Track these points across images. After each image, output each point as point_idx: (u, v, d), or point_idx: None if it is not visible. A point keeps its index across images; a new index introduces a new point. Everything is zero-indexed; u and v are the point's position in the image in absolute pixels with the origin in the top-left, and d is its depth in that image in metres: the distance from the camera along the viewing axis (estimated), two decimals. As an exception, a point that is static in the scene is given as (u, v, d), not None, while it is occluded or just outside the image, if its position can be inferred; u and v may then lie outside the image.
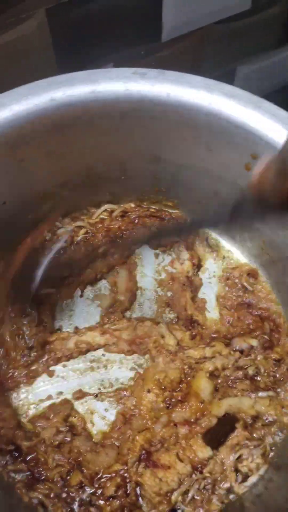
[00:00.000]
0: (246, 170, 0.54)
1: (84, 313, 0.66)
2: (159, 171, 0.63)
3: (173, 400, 0.60)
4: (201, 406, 0.58)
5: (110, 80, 0.52)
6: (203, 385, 0.59)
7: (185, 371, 0.61)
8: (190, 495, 0.55)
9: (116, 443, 0.58)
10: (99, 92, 0.52)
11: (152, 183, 0.66)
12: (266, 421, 0.58)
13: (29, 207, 0.62)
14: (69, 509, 0.55)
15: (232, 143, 0.53)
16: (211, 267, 0.69)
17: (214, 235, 0.70)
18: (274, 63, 0.87)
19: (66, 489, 0.55)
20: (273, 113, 0.50)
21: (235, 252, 0.69)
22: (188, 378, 0.60)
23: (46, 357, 0.62)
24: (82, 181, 0.63)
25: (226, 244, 0.69)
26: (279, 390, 0.60)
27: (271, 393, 0.59)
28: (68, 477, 0.56)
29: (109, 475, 0.56)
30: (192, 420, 0.58)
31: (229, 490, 0.56)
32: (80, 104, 0.53)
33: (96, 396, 0.61)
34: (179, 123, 0.54)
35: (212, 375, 0.60)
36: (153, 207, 0.70)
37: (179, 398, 0.60)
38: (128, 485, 0.56)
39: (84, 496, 0.55)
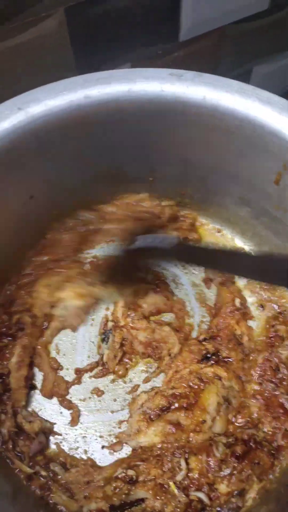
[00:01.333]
0: (275, 184, 0.54)
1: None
2: (188, 174, 0.62)
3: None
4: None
5: (146, 80, 0.52)
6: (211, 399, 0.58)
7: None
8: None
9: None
10: (134, 92, 0.52)
11: (180, 186, 0.65)
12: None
13: (55, 202, 0.63)
14: None
15: (265, 150, 0.52)
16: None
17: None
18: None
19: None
20: (309, 122, 0.49)
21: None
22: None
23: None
24: (109, 180, 0.63)
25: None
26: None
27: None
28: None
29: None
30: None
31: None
32: (114, 102, 0.53)
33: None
34: (212, 127, 0.53)
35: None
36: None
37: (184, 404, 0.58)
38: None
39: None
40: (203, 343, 0.62)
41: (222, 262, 0.52)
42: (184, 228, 0.69)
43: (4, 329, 0.62)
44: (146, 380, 0.61)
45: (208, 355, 0.61)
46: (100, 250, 0.68)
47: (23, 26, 0.58)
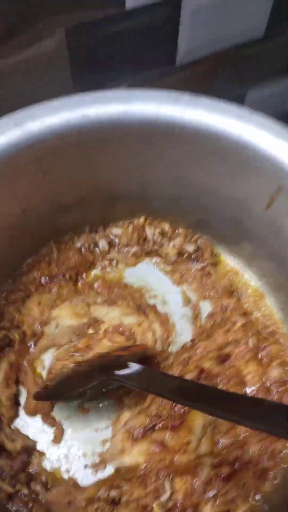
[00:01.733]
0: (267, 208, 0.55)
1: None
2: (182, 194, 0.63)
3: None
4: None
5: (143, 101, 0.53)
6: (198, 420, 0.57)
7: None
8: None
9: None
10: (131, 113, 0.53)
11: (173, 206, 0.66)
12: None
13: (48, 217, 0.63)
14: None
15: (259, 173, 0.53)
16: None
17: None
18: (285, 89, 0.89)
19: None
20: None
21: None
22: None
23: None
24: (105, 198, 0.64)
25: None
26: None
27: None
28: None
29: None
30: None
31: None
32: (111, 122, 0.53)
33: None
34: (208, 149, 0.54)
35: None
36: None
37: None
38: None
39: None
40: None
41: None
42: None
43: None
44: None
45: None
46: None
47: (24, 44, 0.59)
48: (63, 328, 0.62)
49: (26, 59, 0.61)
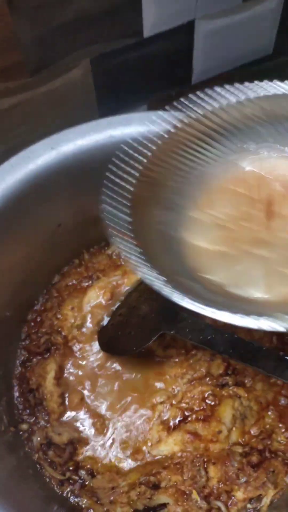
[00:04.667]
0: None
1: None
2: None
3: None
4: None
5: (163, 122, 0.58)
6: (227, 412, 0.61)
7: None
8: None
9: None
10: (152, 132, 0.58)
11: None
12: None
13: (81, 230, 0.69)
14: None
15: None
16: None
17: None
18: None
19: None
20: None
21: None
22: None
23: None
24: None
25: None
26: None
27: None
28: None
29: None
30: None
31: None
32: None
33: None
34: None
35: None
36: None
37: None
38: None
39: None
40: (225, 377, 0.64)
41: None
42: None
43: (34, 348, 0.67)
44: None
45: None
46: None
47: (54, 75, 0.65)
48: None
49: (55, 89, 0.67)
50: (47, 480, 0.59)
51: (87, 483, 0.58)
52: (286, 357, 0.55)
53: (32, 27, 0.59)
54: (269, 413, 0.62)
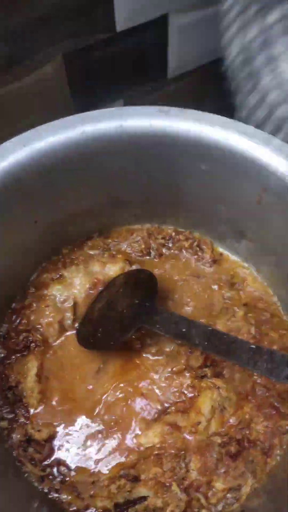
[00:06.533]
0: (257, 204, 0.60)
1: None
2: (178, 199, 0.69)
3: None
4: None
5: (136, 116, 0.58)
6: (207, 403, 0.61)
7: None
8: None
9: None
10: (126, 127, 0.58)
11: (171, 210, 0.71)
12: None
13: (59, 227, 0.69)
14: None
15: (244, 175, 0.58)
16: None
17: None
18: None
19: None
20: (281, 149, 0.55)
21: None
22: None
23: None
24: (109, 206, 0.70)
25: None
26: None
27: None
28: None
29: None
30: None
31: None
32: (107, 137, 0.59)
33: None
34: (197, 156, 0.59)
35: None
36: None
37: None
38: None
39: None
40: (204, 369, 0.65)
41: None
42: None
43: (13, 345, 0.67)
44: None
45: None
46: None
47: (26, 71, 0.64)
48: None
49: (27, 85, 0.67)
50: (27, 476, 0.59)
51: (67, 478, 0.59)
52: (258, 348, 0.56)
53: (2, 22, 0.58)
54: (248, 403, 0.63)
